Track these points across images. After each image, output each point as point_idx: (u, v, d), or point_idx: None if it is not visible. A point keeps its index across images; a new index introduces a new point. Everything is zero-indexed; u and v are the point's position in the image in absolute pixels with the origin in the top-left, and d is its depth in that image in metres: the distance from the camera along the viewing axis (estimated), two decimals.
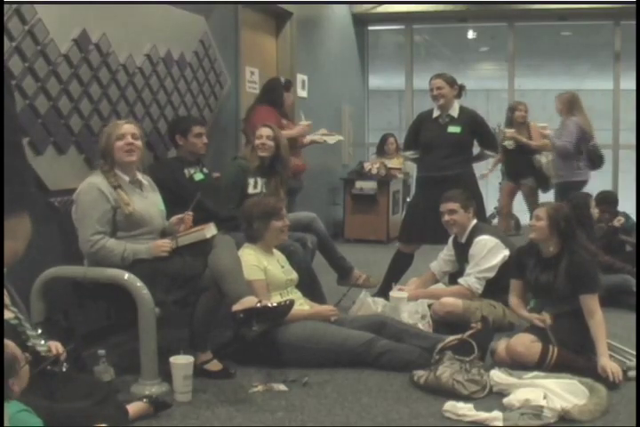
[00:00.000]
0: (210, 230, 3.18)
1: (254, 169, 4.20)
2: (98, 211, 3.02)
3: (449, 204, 4.02)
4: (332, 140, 5.51)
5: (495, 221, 7.62)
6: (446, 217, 4.02)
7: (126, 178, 3.17)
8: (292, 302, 3.03)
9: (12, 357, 1.97)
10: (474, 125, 4.49)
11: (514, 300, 3.55)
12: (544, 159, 6.16)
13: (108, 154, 3.13)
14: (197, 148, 3.96)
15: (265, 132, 4.24)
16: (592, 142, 5.68)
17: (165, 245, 3.11)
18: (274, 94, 5.06)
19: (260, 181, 4.22)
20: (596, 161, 5.71)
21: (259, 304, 2.89)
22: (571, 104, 5.70)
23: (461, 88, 4.50)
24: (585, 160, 5.63)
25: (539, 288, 3.40)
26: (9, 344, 2.02)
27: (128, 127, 3.16)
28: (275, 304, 2.97)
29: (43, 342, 2.49)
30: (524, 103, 6.61)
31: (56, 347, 2.52)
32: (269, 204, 3.59)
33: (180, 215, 3.25)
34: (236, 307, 2.90)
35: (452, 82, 4.46)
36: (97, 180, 3.08)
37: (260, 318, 2.88)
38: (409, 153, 4.75)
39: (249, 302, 2.91)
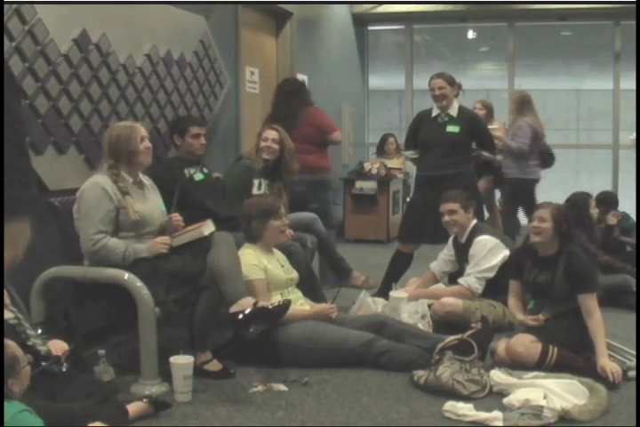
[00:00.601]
0: (207, 228, 3.18)
1: (259, 170, 4.21)
2: (101, 210, 3.01)
3: (449, 204, 4.02)
4: None
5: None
6: (446, 217, 4.02)
7: (130, 179, 3.17)
8: (288, 302, 3.03)
9: (13, 357, 1.97)
10: (472, 125, 4.49)
11: (512, 301, 3.55)
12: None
13: (132, 157, 3.12)
14: (194, 148, 3.95)
15: (271, 134, 4.24)
16: (543, 141, 5.68)
17: (165, 241, 3.11)
18: (307, 94, 5.12)
19: (263, 182, 4.23)
20: (547, 160, 5.71)
21: (256, 306, 2.89)
22: (522, 104, 5.68)
23: (459, 86, 4.51)
24: (536, 159, 5.61)
25: (537, 288, 3.40)
26: (10, 344, 2.01)
27: (144, 130, 3.20)
28: (271, 305, 2.96)
29: (42, 342, 2.49)
30: (482, 101, 6.46)
31: (55, 347, 2.52)
32: (267, 203, 3.59)
33: (166, 219, 3.26)
34: (233, 309, 2.91)
35: (452, 81, 4.46)
36: (101, 179, 3.08)
37: (258, 320, 2.87)
38: (409, 153, 4.75)
39: (246, 303, 2.91)
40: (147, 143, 3.17)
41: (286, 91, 5.16)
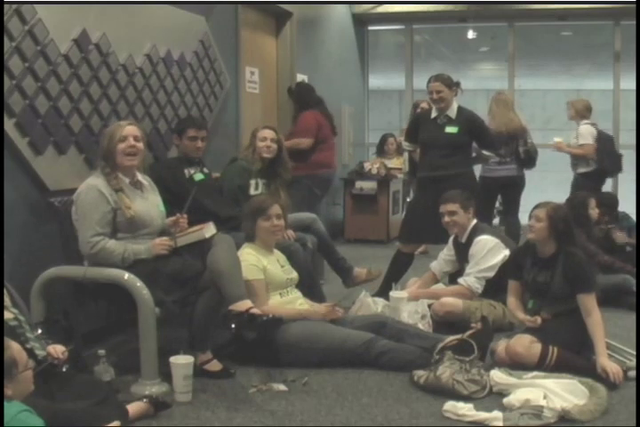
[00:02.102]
0: (209, 230, 3.18)
1: (255, 171, 4.22)
2: (98, 212, 3.01)
3: (448, 205, 4.02)
4: None
5: (496, 220, 7.61)
6: (446, 218, 4.02)
7: (126, 180, 3.16)
8: (279, 320, 2.98)
9: (11, 359, 1.96)
10: (471, 126, 4.48)
11: (511, 300, 3.55)
12: None
13: (110, 156, 3.10)
14: (189, 150, 3.94)
15: (269, 134, 4.26)
16: (523, 141, 5.63)
17: (165, 243, 3.11)
18: None
19: (260, 182, 4.24)
20: (523, 161, 5.68)
21: (248, 311, 2.88)
22: (490, 103, 5.79)
23: (457, 85, 4.50)
24: (499, 157, 5.53)
25: (536, 288, 3.39)
26: (12, 347, 2.00)
27: (130, 129, 3.13)
28: (264, 317, 2.89)
29: (40, 345, 2.48)
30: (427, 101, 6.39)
31: (55, 351, 2.51)
32: (257, 202, 3.60)
33: (173, 218, 3.25)
34: (232, 307, 2.92)
35: (449, 83, 4.44)
36: (96, 181, 3.07)
37: (246, 324, 2.86)
38: (406, 144, 4.85)
39: (243, 305, 2.92)
40: (130, 142, 3.09)
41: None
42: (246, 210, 3.58)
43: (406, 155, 6.92)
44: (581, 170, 5.84)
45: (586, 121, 5.90)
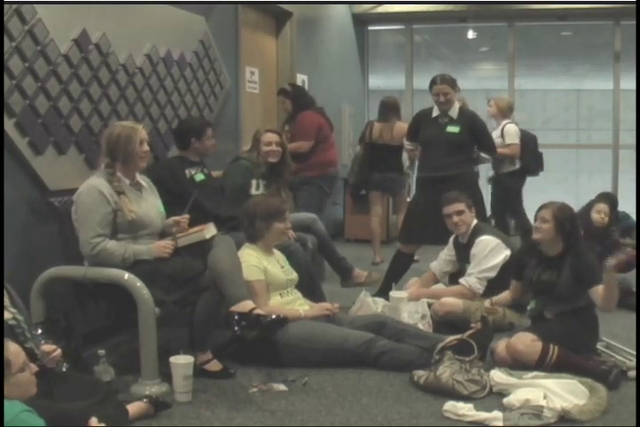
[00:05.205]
0: (209, 231, 3.18)
1: (258, 172, 4.23)
2: (98, 213, 3.00)
3: (455, 205, 3.99)
4: None
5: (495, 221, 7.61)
6: (455, 218, 4.00)
7: (127, 181, 3.16)
8: (284, 319, 2.99)
9: (5, 361, 1.96)
10: (472, 127, 4.46)
11: (504, 295, 3.61)
12: None
13: (130, 158, 3.10)
14: (210, 150, 3.99)
15: (274, 138, 4.27)
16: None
17: (167, 246, 3.11)
18: None
19: (261, 182, 4.25)
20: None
21: (251, 312, 2.89)
22: None
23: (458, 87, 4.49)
24: None
25: (540, 287, 3.38)
26: (9, 348, 2.00)
27: (144, 132, 3.16)
28: (267, 317, 2.90)
29: (35, 345, 2.48)
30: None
31: (49, 349, 2.51)
32: (274, 205, 3.59)
33: (176, 217, 3.26)
34: (233, 308, 2.92)
35: (454, 85, 4.40)
36: (97, 181, 3.06)
37: (249, 325, 2.87)
38: (407, 143, 4.80)
39: (245, 306, 2.92)
40: (145, 147, 3.14)
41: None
42: (259, 212, 3.52)
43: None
44: (507, 169, 5.89)
45: (507, 120, 5.93)
